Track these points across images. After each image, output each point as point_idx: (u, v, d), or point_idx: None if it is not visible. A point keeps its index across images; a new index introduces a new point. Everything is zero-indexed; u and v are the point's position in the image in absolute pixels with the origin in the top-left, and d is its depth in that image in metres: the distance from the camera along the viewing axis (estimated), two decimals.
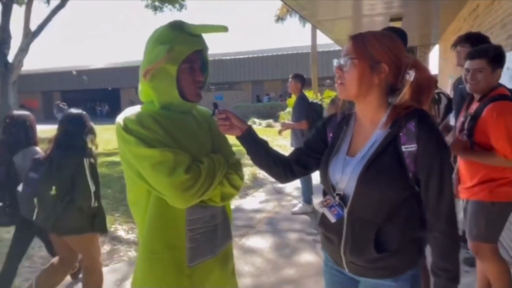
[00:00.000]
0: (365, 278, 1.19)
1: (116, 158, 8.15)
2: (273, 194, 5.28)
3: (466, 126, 2.11)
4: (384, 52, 1.10)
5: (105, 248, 3.62)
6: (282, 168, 1.32)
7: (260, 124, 18.05)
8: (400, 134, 1.08)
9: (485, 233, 2.09)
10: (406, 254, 1.12)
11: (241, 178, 1.33)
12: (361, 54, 1.09)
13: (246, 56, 25.22)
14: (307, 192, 4.47)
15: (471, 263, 2.64)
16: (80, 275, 2.76)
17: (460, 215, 2.27)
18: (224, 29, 1.19)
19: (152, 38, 1.21)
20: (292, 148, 3.49)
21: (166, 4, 18.78)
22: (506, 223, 2.13)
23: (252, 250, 3.45)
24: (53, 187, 2.23)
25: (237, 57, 25.42)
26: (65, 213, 2.26)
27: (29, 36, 16.06)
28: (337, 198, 1.16)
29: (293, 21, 21.70)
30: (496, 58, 2.02)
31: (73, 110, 2.52)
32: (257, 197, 5.25)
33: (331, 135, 1.28)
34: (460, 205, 2.29)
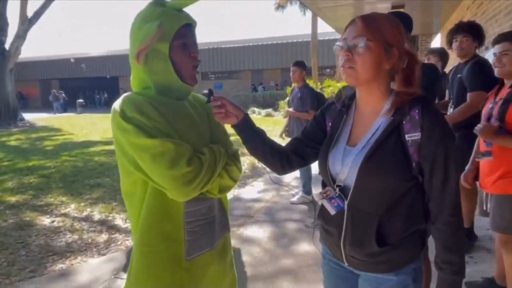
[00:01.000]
0: (365, 272, 1.15)
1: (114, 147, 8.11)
2: (271, 183, 5.24)
3: (496, 111, 2.09)
4: (396, 35, 1.04)
5: (102, 237, 3.61)
6: (279, 158, 1.25)
7: (259, 114, 17.97)
8: (404, 122, 1.03)
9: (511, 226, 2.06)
10: (408, 247, 1.08)
11: (240, 169, 1.28)
12: (375, 36, 1.01)
13: (245, 44, 25.00)
14: (307, 183, 4.43)
15: None
16: None
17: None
18: None
19: (137, 19, 1.14)
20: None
21: None
22: None
23: (250, 240, 3.43)
24: None
25: (236, 45, 25.21)
26: None
27: (26, 22, 15.88)
28: (337, 189, 1.11)
29: (293, 9, 21.46)
30: None
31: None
32: (255, 187, 5.23)
33: (330, 124, 1.22)
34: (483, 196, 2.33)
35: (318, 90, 6.12)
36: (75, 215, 4.30)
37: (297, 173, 5.20)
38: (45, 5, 16.32)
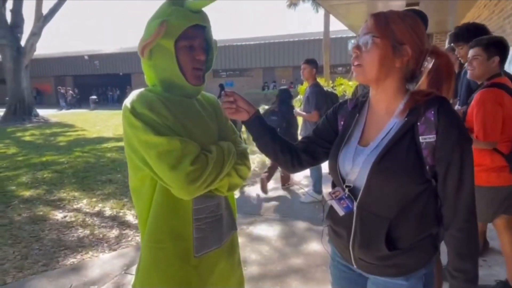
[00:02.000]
0: (374, 275, 1.12)
1: None
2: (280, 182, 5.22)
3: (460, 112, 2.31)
4: (408, 33, 1.00)
5: (113, 233, 3.65)
6: (289, 156, 1.23)
7: None
8: (418, 123, 0.99)
9: None
10: (419, 252, 1.05)
11: (249, 168, 1.27)
12: (384, 33, 0.99)
13: (257, 42, 24.96)
14: (317, 182, 4.40)
15: None
16: None
17: None
18: None
19: (152, 16, 1.15)
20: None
21: None
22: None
23: (259, 238, 3.42)
24: None
25: (248, 43, 25.18)
26: None
27: (41, 19, 16.12)
28: (346, 190, 1.08)
29: (305, 6, 21.23)
30: (490, 46, 2.17)
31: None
32: None
33: (342, 122, 1.19)
34: None
35: (330, 89, 5.98)
36: (87, 210, 4.36)
37: (307, 171, 5.18)
38: (59, 3, 16.53)
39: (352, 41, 1.05)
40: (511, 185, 2.19)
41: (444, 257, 1.08)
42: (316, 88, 4.25)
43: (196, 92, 1.23)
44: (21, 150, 8.64)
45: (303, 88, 13.17)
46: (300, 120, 4.65)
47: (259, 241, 3.37)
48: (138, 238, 3.49)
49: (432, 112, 0.98)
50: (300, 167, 1.27)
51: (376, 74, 1.02)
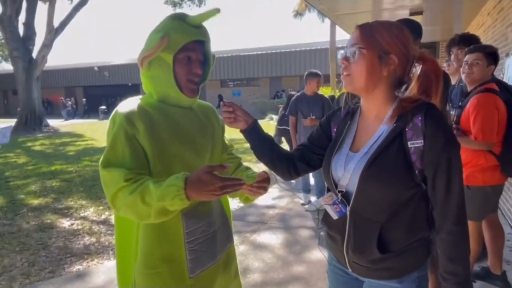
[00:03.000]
0: (369, 279, 1.14)
1: None
2: (286, 190, 5.24)
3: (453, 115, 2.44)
4: (394, 43, 1.04)
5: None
6: (286, 164, 1.27)
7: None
8: (406, 129, 1.02)
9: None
10: (412, 255, 1.07)
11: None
12: (369, 44, 1.03)
13: (264, 52, 25.11)
14: (322, 191, 4.41)
15: (479, 275, 2.68)
16: None
17: None
18: (216, 11, 1.15)
19: (154, 29, 1.20)
20: None
21: (185, 0, 18.93)
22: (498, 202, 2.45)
23: (263, 246, 3.43)
24: None
25: (255, 53, 25.35)
26: None
27: (52, 32, 16.49)
28: (339, 195, 1.11)
29: (311, 16, 21.48)
30: (491, 54, 2.32)
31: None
32: (270, 193, 5.22)
33: (335, 129, 1.23)
34: None
35: (332, 95, 6.19)
36: (94, 218, 4.42)
37: (312, 180, 5.19)
38: (70, 15, 16.92)
39: (341, 51, 1.09)
40: (503, 184, 2.40)
41: None
42: (325, 97, 4.56)
43: (190, 104, 1.27)
44: (31, 159, 8.79)
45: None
46: None
47: (262, 249, 3.38)
48: None
49: (419, 118, 1.01)
50: (296, 174, 1.30)
51: (364, 83, 1.05)
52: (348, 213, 1.10)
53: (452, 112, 2.97)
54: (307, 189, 4.71)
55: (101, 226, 4.12)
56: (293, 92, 5.56)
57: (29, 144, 12.11)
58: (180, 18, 1.18)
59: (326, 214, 1.19)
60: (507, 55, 4.09)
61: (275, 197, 5.02)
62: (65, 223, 4.26)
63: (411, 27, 2.14)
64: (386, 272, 1.09)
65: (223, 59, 25.23)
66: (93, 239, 3.74)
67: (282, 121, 6.54)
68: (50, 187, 5.94)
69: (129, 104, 1.18)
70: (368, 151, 1.07)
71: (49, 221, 4.32)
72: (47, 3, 16.84)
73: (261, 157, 1.29)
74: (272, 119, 18.47)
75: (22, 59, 16.05)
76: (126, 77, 29.16)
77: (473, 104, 2.24)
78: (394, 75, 1.06)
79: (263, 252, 3.31)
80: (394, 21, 1.10)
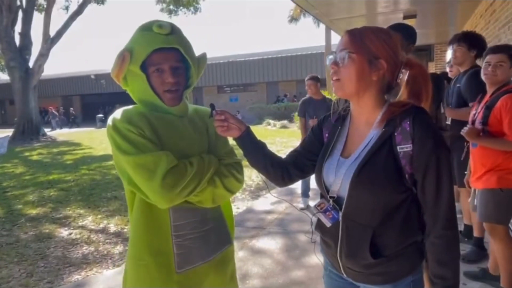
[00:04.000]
0: (363, 283, 1.14)
1: None
2: (285, 195, 5.24)
3: (480, 116, 2.35)
4: (382, 47, 1.05)
5: (117, 249, 3.68)
6: (279, 171, 1.27)
7: (274, 125, 18.00)
8: (395, 133, 1.03)
9: (495, 215, 2.30)
10: (405, 259, 1.07)
11: (239, 180, 1.29)
12: (359, 49, 1.03)
13: (260, 57, 25.22)
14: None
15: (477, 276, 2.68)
16: None
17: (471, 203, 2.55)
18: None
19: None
20: None
21: (181, 8, 19.01)
22: None
23: (262, 252, 3.43)
24: None
25: (251, 58, 25.46)
26: None
27: (49, 41, 16.51)
28: (331, 201, 1.11)
29: (307, 21, 21.64)
30: None
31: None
32: (269, 198, 5.22)
33: (326, 135, 1.23)
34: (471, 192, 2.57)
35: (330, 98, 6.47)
36: (92, 227, 4.40)
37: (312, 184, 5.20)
38: (66, 24, 16.96)
39: (330, 56, 1.09)
40: None
41: None
42: (330, 99, 4.81)
43: (177, 112, 1.25)
44: (28, 169, 8.77)
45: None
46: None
47: (262, 254, 3.37)
48: None
49: (408, 122, 1.01)
50: (290, 180, 1.30)
51: (354, 88, 1.06)
52: (340, 218, 1.10)
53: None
54: (307, 194, 4.72)
55: (100, 235, 4.11)
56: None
57: (26, 153, 12.08)
58: (147, 28, 1.17)
59: (319, 220, 1.19)
60: None
61: (274, 202, 5.02)
62: (64, 232, 4.25)
63: (405, 33, 2.17)
64: (379, 277, 1.09)
65: (219, 65, 25.32)
66: (92, 248, 3.72)
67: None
68: (48, 197, 5.92)
69: (124, 112, 1.19)
70: (358, 156, 1.08)
71: (47, 231, 4.30)
72: (43, 13, 16.89)
73: (254, 164, 1.29)
74: (269, 124, 18.50)
75: (18, 69, 16.05)
76: None
77: (506, 103, 2.19)
78: (383, 79, 1.07)
79: (262, 257, 3.30)
80: (382, 27, 1.11)
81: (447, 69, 3.80)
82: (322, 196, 1.19)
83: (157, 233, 1.19)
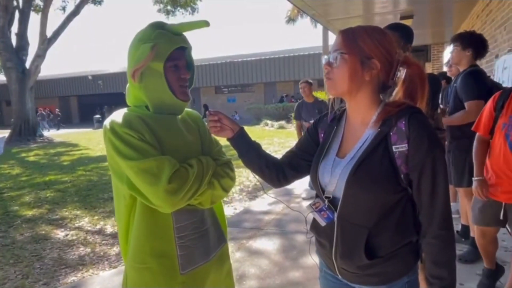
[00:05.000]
0: (358, 284, 1.14)
1: None
2: (282, 195, 5.24)
3: None
4: (376, 48, 1.04)
5: (114, 250, 3.66)
6: (275, 172, 1.26)
7: (272, 126, 18.00)
8: (391, 133, 1.02)
9: None
10: (400, 260, 1.06)
11: (232, 179, 1.31)
12: (351, 49, 1.03)
13: (258, 58, 25.23)
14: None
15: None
16: None
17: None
18: (205, 23, 1.17)
19: (135, 39, 1.20)
20: None
21: (179, 8, 19.01)
22: None
23: (259, 252, 3.42)
24: None
25: (249, 59, 25.46)
26: None
27: (46, 42, 16.45)
28: (326, 201, 1.11)
29: (304, 22, 21.69)
30: None
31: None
32: (266, 199, 5.22)
33: (322, 135, 1.23)
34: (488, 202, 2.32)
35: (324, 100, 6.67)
36: (89, 228, 4.39)
37: (304, 184, 5.21)
38: (63, 25, 16.91)
39: (325, 57, 1.09)
40: None
41: None
42: (322, 102, 5.01)
43: (183, 108, 1.29)
44: (25, 170, 8.73)
45: None
46: None
47: (259, 255, 3.37)
48: None
49: (403, 121, 1.01)
50: (285, 181, 1.29)
51: (347, 87, 1.06)
52: (335, 219, 1.09)
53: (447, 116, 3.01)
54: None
55: (96, 236, 4.09)
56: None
57: (23, 154, 12.02)
58: (161, 27, 1.20)
59: (314, 220, 1.18)
60: (497, 56, 4.14)
61: (271, 202, 5.01)
62: (60, 234, 4.23)
63: (402, 32, 2.17)
64: (374, 278, 1.08)
65: (217, 65, 25.31)
66: (88, 250, 3.71)
67: None
68: (44, 198, 5.89)
69: (122, 116, 1.18)
70: (354, 156, 1.07)
71: (43, 232, 4.28)
72: (40, 13, 16.83)
73: (248, 165, 1.28)
74: (267, 124, 18.50)
75: (15, 70, 15.99)
76: (120, 85, 29.07)
77: None
78: (377, 79, 1.07)
79: (260, 258, 3.29)
80: (376, 26, 1.10)
81: (446, 69, 3.82)
82: (317, 196, 1.18)
83: (161, 236, 1.19)
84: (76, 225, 4.53)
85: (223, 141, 1.34)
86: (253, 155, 1.26)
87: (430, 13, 6.45)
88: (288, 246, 3.53)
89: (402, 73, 1.07)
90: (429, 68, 10.19)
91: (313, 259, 1.36)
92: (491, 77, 4.07)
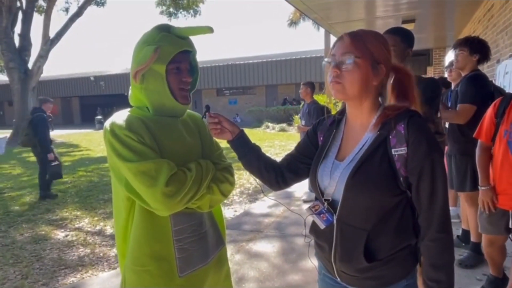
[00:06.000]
0: (357, 287, 1.13)
1: None
2: (282, 198, 5.23)
3: None
4: (382, 52, 1.05)
5: (113, 251, 3.66)
6: (274, 174, 1.27)
7: (273, 128, 18.01)
8: (390, 136, 1.03)
9: None
10: (399, 263, 1.07)
11: (231, 183, 1.30)
12: (364, 53, 1.02)
13: (259, 60, 25.24)
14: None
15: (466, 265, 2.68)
16: None
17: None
18: (209, 30, 1.17)
19: (140, 41, 1.21)
20: None
21: (181, 11, 19.06)
22: None
23: (259, 255, 3.42)
24: None
25: (251, 61, 25.48)
26: None
27: (48, 43, 16.52)
28: (325, 204, 1.11)
29: (306, 25, 21.75)
30: None
31: None
32: (266, 201, 5.21)
33: (321, 138, 1.23)
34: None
35: (325, 104, 6.88)
36: (89, 229, 4.39)
37: (304, 187, 5.21)
38: (66, 26, 16.96)
39: (326, 59, 1.08)
40: None
41: None
42: (316, 105, 5.06)
43: (183, 111, 1.29)
44: (26, 170, 8.74)
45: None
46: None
47: (258, 257, 3.36)
48: None
49: (402, 125, 1.02)
50: (284, 184, 1.30)
51: (357, 92, 1.05)
52: (335, 221, 1.09)
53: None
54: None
55: (96, 237, 4.09)
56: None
57: (24, 155, 12.03)
58: (166, 29, 1.20)
59: (314, 223, 1.18)
60: (498, 61, 4.14)
61: (271, 205, 5.01)
62: (60, 234, 4.23)
63: (404, 36, 2.17)
64: (373, 281, 1.09)
65: (219, 68, 25.33)
66: (88, 251, 3.71)
67: None
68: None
69: (122, 118, 1.18)
70: (353, 159, 1.08)
71: (43, 232, 4.28)
72: (43, 14, 16.89)
73: (248, 167, 1.29)
74: (268, 127, 18.50)
75: (17, 70, 16.03)
76: (122, 86, 29.16)
77: None
78: (381, 84, 1.08)
79: (259, 261, 3.29)
80: (376, 31, 1.11)
81: (446, 74, 3.81)
82: (317, 199, 1.19)
83: (159, 239, 1.19)
84: (76, 226, 4.53)
85: (223, 143, 1.35)
86: (253, 157, 1.26)
87: (432, 17, 6.46)
88: (288, 249, 3.53)
89: (390, 79, 1.08)
90: (430, 72, 10.19)
91: (312, 262, 1.36)
92: (493, 81, 4.07)
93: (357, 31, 1.08)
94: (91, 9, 18.60)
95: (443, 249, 1.02)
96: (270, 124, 18.78)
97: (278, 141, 12.34)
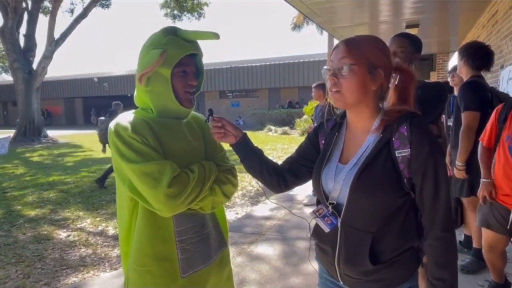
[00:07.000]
0: None
1: None
2: (284, 201, 5.23)
3: None
4: (380, 57, 1.06)
5: (115, 252, 3.67)
6: (276, 177, 1.27)
7: (276, 132, 18.01)
8: (393, 138, 1.04)
9: None
10: (402, 265, 1.07)
11: (234, 185, 1.31)
12: (359, 60, 1.03)
13: (263, 63, 25.30)
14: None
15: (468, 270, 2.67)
16: None
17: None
18: (215, 36, 1.18)
19: (146, 43, 1.22)
20: None
21: (185, 13, 19.16)
22: None
23: (260, 258, 3.42)
24: None
25: (254, 64, 25.54)
26: None
27: (53, 44, 16.62)
28: (330, 207, 1.11)
29: (310, 28, 21.80)
30: None
31: None
32: (268, 204, 5.22)
33: (323, 142, 1.24)
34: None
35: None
36: (91, 229, 4.40)
37: (307, 190, 5.20)
38: (71, 27, 17.07)
39: (325, 67, 1.09)
40: None
41: None
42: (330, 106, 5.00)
43: (187, 113, 1.30)
44: (29, 170, 8.78)
45: (309, 108, 13.43)
46: None
47: (260, 260, 3.36)
48: None
49: (405, 127, 1.03)
50: (286, 187, 1.30)
51: (356, 99, 1.06)
52: (339, 225, 1.10)
53: (450, 123, 3.01)
54: None
55: (98, 238, 4.10)
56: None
57: (27, 155, 12.10)
58: (173, 33, 1.21)
59: (316, 227, 1.19)
60: (502, 67, 4.14)
61: (273, 208, 5.01)
62: (62, 234, 4.24)
63: (412, 41, 2.17)
64: (377, 284, 1.09)
65: (222, 70, 25.40)
66: (90, 251, 3.72)
67: None
68: (47, 198, 5.92)
69: (127, 119, 1.19)
70: (357, 162, 1.09)
71: (45, 232, 4.30)
72: (48, 15, 17.01)
73: (250, 170, 1.30)
74: (270, 130, 18.51)
75: (22, 70, 16.14)
76: (126, 88, 29.25)
77: None
78: (380, 88, 1.08)
79: (260, 263, 3.29)
80: (373, 35, 1.12)
81: (449, 79, 3.82)
82: (319, 203, 1.19)
83: (162, 239, 1.20)
84: (78, 226, 4.54)
85: (226, 146, 1.36)
86: (255, 160, 1.28)
87: (436, 22, 6.46)
88: (289, 252, 3.52)
89: (395, 79, 1.09)
90: (434, 77, 10.19)
91: (312, 266, 1.36)
92: (497, 86, 4.07)
93: (353, 37, 1.08)
94: (96, 10, 18.73)
95: (447, 248, 1.03)
96: (272, 127, 18.79)
97: (280, 144, 12.34)
